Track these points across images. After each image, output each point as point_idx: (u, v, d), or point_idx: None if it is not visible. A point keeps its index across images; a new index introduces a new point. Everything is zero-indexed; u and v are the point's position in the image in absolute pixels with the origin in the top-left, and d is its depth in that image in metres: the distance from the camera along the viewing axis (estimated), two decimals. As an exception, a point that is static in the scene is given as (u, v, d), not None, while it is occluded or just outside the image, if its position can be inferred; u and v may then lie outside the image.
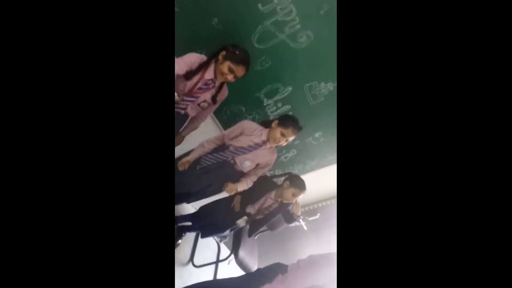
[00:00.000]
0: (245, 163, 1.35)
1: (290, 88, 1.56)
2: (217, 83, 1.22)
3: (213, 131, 1.76)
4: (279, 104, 1.65)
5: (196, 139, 1.48)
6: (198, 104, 1.23)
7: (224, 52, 1.14)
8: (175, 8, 1.31)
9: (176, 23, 1.33)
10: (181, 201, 1.54)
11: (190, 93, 1.18)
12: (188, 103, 1.21)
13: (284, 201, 1.58)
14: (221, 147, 1.36)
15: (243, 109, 1.69)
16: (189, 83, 1.16)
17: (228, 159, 1.33)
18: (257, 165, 1.40)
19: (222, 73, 1.16)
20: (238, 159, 1.34)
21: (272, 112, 1.69)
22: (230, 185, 1.35)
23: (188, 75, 1.13)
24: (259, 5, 1.23)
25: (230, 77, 1.16)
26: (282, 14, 1.26)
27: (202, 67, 1.15)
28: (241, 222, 1.57)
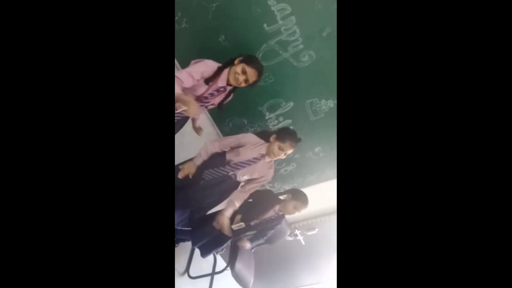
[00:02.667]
0: (244, 177, 1.37)
1: (291, 104, 1.61)
2: (228, 89, 1.25)
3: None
4: (281, 118, 1.69)
5: (197, 147, 1.51)
6: (206, 107, 1.26)
7: (240, 58, 1.19)
8: (185, 24, 1.38)
9: (185, 38, 1.39)
10: (184, 219, 1.53)
11: (200, 98, 1.19)
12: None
13: (286, 214, 1.59)
14: (222, 162, 1.37)
15: (245, 122, 1.74)
16: (201, 90, 1.18)
17: (229, 174, 1.35)
18: (254, 179, 1.41)
19: (235, 74, 1.17)
20: (238, 173, 1.35)
21: (273, 125, 1.72)
22: (219, 219, 1.39)
23: (206, 81, 1.16)
24: (265, 25, 1.30)
25: (241, 78, 1.17)
26: (286, 34, 1.32)
27: (218, 74, 1.17)
28: (235, 227, 1.57)
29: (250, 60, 1.18)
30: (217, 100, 1.25)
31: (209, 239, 1.59)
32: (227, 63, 1.19)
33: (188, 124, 1.40)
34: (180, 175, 1.28)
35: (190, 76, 1.14)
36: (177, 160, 1.44)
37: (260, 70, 1.20)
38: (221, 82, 1.20)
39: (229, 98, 1.32)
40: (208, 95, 1.21)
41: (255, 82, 1.22)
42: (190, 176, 1.28)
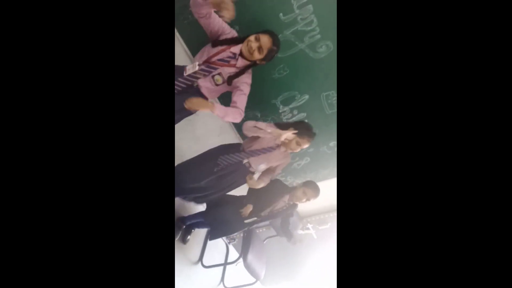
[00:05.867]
0: (260, 166, 1.39)
1: (306, 96, 1.56)
2: (240, 63, 1.16)
3: (229, 136, 1.79)
4: (295, 112, 1.65)
5: (211, 142, 1.52)
6: (212, 76, 1.16)
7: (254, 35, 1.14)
8: (198, 15, 1.35)
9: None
10: (197, 201, 1.58)
11: (209, 61, 1.13)
12: (205, 73, 1.15)
13: (295, 201, 1.57)
14: (237, 149, 1.40)
15: (259, 115, 1.71)
16: (212, 50, 1.13)
17: (244, 162, 1.37)
18: (270, 167, 1.43)
19: (248, 41, 1.11)
20: (253, 162, 1.37)
21: (287, 119, 1.69)
22: (253, 180, 1.35)
23: (216, 43, 1.12)
24: (281, 14, 1.25)
25: (254, 45, 1.10)
26: (303, 24, 1.26)
27: (231, 42, 1.13)
28: (248, 221, 1.59)
29: (265, 30, 1.13)
30: (226, 70, 1.15)
31: (222, 220, 1.61)
32: (243, 39, 1.14)
33: (200, 119, 1.39)
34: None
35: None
36: (192, 154, 1.46)
37: (275, 39, 1.12)
38: (234, 48, 1.14)
39: (248, 80, 1.20)
40: (217, 60, 1.13)
41: (270, 53, 1.13)
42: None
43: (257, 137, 1.37)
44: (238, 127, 1.77)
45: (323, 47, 1.33)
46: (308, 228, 2.26)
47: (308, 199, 1.51)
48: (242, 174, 1.41)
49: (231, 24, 1.31)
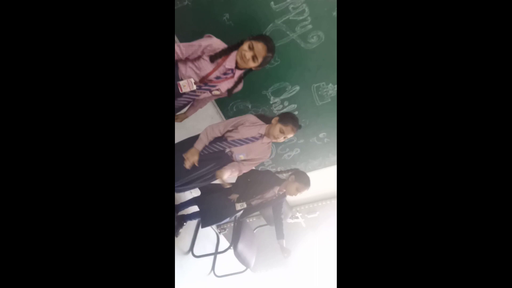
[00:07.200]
0: (239, 156, 1.36)
1: (297, 88, 1.56)
2: (236, 74, 1.16)
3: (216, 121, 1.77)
4: (286, 103, 1.65)
5: (198, 129, 1.49)
6: (210, 91, 1.17)
7: (250, 37, 1.11)
8: (187, 1, 1.30)
9: (187, 16, 1.32)
10: (178, 190, 1.57)
11: (206, 80, 1.12)
12: (203, 91, 1.15)
13: (288, 195, 1.60)
14: (219, 138, 1.37)
15: (249, 106, 1.70)
16: (208, 67, 1.09)
17: (225, 150, 1.35)
18: (250, 159, 1.40)
19: (242, 51, 1.08)
20: (234, 151, 1.35)
21: (278, 110, 1.69)
22: (218, 172, 1.34)
23: (212, 58, 1.08)
24: (272, 3, 1.23)
25: (248, 55, 1.07)
26: (294, 14, 1.25)
27: (225, 53, 1.09)
28: (238, 206, 1.60)
29: (258, 36, 1.09)
30: (224, 85, 1.17)
31: (214, 206, 1.63)
32: (237, 45, 1.10)
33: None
34: (187, 165, 1.26)
35: (190, 45, 1.06)
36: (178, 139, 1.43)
37: (269, 46, 1.08)
38: (229, 63, 1.11)
39: (240, 86, 1.23)
40: (214, 78, 1.12)
41: (266, 60, 1.10)
42: (196, 164, 1.26)
43: (238, 128, 1.35)
44: (224, 111, 1.75)
45: (315, 37, 1.32)
46: (297, 217, 2.32)
47: (300, 193, 1.55)
48: (224, 162, 1.38)
49: (222, 10, 1.28)
